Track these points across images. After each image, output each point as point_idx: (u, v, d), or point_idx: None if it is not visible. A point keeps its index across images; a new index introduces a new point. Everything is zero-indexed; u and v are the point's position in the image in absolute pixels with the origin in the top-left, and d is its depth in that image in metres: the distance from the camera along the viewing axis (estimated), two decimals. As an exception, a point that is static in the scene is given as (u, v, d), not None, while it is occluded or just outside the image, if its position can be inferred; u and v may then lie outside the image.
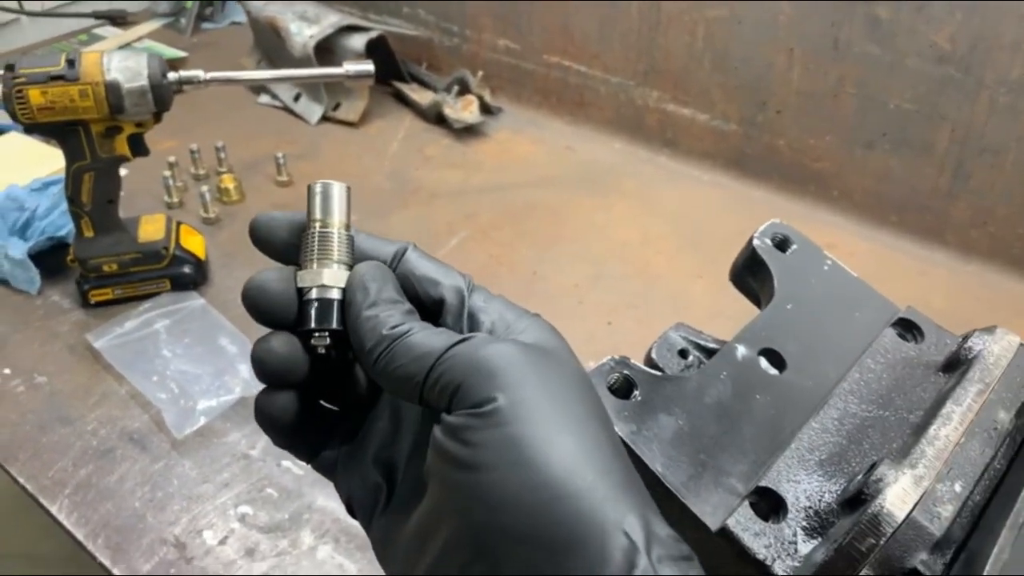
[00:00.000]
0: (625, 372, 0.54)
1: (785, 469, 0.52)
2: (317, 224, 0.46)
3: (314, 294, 0.44)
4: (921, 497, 0.46)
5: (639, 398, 0.54)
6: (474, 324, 0.44)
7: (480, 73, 1.79)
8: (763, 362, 0.59)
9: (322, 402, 0.50)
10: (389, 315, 0.43)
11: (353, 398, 0.49)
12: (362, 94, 1.77)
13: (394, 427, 0.47)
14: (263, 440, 1.04)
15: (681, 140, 1.63)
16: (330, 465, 0.49)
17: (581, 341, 1.14)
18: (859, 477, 0.49)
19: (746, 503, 0.50)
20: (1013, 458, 0.50)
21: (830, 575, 0.45)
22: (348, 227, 0.47)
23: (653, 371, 0.55)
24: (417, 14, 1.91)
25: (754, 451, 0.54)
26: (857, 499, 0.47)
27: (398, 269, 0.46)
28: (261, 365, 0.44)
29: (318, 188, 0.46)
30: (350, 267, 0.45)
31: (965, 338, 0.58)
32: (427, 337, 0.41)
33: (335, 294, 0.44)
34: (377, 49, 1.76)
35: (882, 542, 0.44)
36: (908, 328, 0.63)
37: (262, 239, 0.47)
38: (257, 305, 0.44)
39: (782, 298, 0.62)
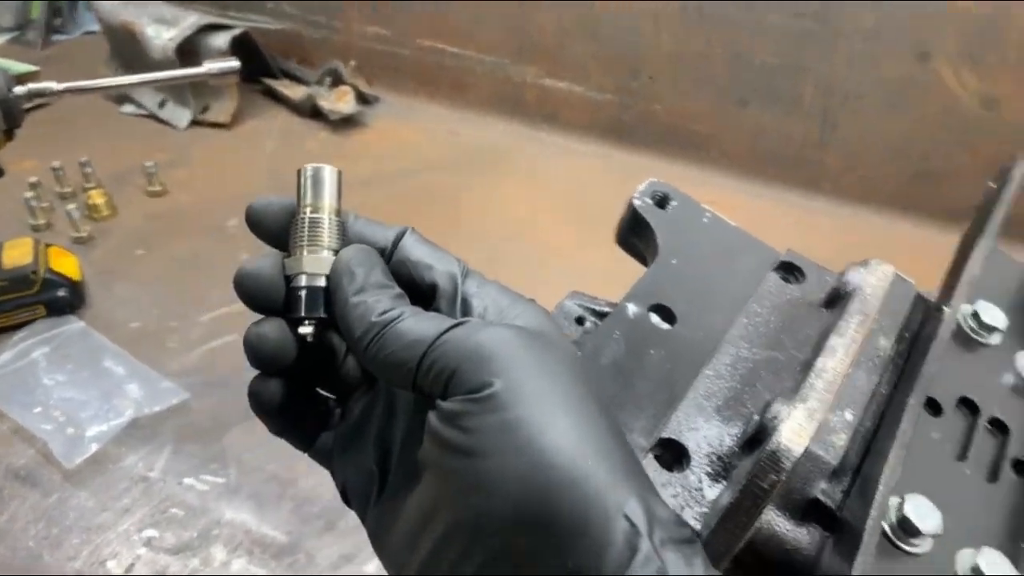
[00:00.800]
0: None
1: (684, 419, 0.52)
2: (307, 209, 0.44)
3: (301, 281, 0.43)
4: (815, 430, 0.47)
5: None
6: (467, 309, 0.44)
7: (352, 63, 1.75)
8: (654, 318, 0.59)
9: (318, 389, 0.49)
10: (377, 300, 0.42)
11: (348, 384, 0.48)
12: (231, 94, 1.71)
13: (388, 413, 0.46)
14: (162, 460, 1.00)
15: (560, 114, 1.64)
16: (327, 453, 0.48)
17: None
18: (755, 418, 0.50)
19: (650, 456, 0.50)
20: (896, 382, 0.52)
21: (737, 516, 0.45)
22: (339, 212, 0.45)
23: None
24: (282, 8, 1.86)
25: (652, 405, 0.54)
26: (756, 439, 0.48)
27: (395, 254, 0.45)
28: (253, 351, 0.43)
29: (308, 172, 0.45)
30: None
31: (843, 274, 0.59)
32: (418, 323, 0.41)
33: (322, 281, 0.43)
34: (243, 47, 1.70)
35: (783, 477, 0.45)
36: (790, 270, 0.64)
37: (257, 224, 0.46)
38: (247, 292, 0.44)
39: (666, 254, 0.63)
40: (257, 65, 1.78)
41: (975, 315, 0.54)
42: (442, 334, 0.39)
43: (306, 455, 0.49)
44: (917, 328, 0.56)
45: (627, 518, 0.34)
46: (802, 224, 1.39)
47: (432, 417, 0.38)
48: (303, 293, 0.43)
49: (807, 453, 0.46)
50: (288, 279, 0.44)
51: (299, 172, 0.45)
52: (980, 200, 0.65)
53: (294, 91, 1.76)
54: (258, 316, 0.45)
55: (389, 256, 0.46)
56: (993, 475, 0.48)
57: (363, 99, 1.75)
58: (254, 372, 0.46)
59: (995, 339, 0.55)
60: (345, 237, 0.45)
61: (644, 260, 0.69)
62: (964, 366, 0.53)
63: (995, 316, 0.56)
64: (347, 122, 1.70)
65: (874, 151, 1.36)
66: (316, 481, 0.96)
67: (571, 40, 1.55)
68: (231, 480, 0.96)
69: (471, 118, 1.73)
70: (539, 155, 1.61)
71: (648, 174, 1.57)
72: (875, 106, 1.33)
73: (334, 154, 1.63)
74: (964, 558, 0.42)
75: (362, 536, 0.45)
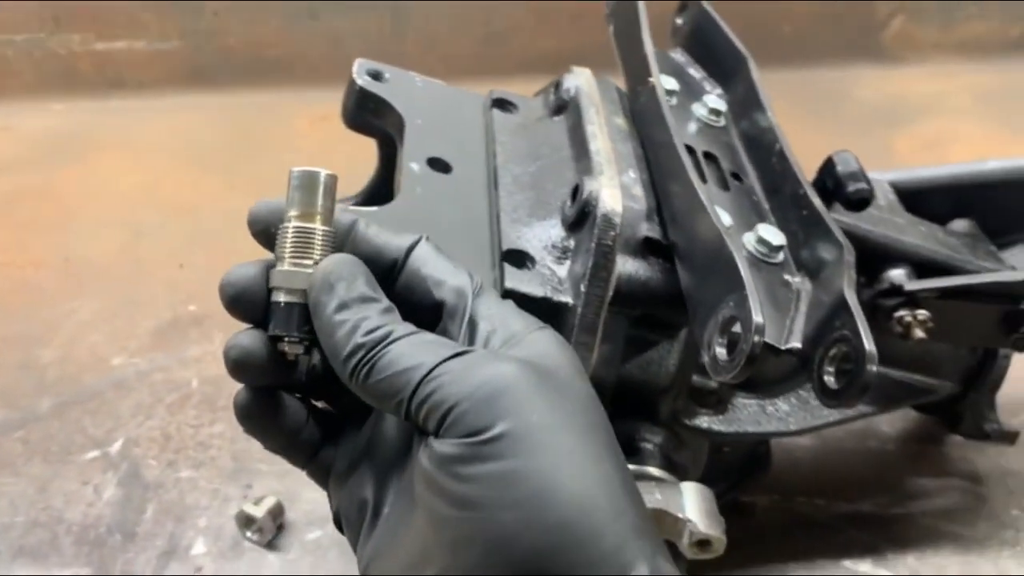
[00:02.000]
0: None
1: (510, 232, 0.60)
2: (293, 216, 0.41)
3: (281, 296, 0.40)
4: (620, 191, 0.58)
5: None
6: (474, 331, 0.40)
7: None
8: (434, 170, 0.65)
9: (316, 403, 0.45)
10: (363, 317, 0.38)
11: (348, 401, 0.43)
12: None
13: (387, 436, 0.42)
14: None
15: (128, 76, 1.53)
16: (325, 471, 0.44)
17: (169, 293, 1.09)
18: (568, 203, 0.59)
19: (505, 264, 0.57)
20: (643, 145, 0.65)
21: (599, 273, 0.55)
22: (329, 220, 0.41)
23: (367, 208, 0.58)
24: None
25: (474, 239, 0.61)
26: (582, 217, 0.58)
27: (409, 264, 0.42)
28: (225, 360, 0.40)
29: (296, 175, 0.41)
30: None
31: (557, 86, 0.70)
32: (413, 347, 0.37)
33: (302, 297, 0.40)
34: None
35: (619, 230, 0.56)
36: (503, 105, 0.74)
37: (260, 232, 0.42)
38: (229, 301, 0.40)
39: (410, 116, 0.69)
40: None
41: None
42: (439, 364, 0.36)
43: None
44: (631, 104, 0.69)
45: None
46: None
47: (424, 457, 0.35)
48: (279, 309, 0.41)
49: (625, 207, 0.57)
50: (271, 292, 0.41)
51: (289, 174, 0.42)
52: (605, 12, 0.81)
53: None
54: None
55: (400, 268, 0.42)
56: (724, 185, 0.64)
57: None
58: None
59: (674, 100, 0.71)
60: (335, 248, 0.42)
61: (380, 135, 0.73)
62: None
63: (669, 82, 0.71)
64: None
65: (445, 28, 1.51)
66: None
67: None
68: None
69: (19, 107, 1.53)
70: (123, 125, 1.49)
71: (246, 110, 1.58)
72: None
73: None
74: (748, 237, 0.57)
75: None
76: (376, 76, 0.72)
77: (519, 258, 0.58)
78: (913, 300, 0.66)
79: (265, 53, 1.53)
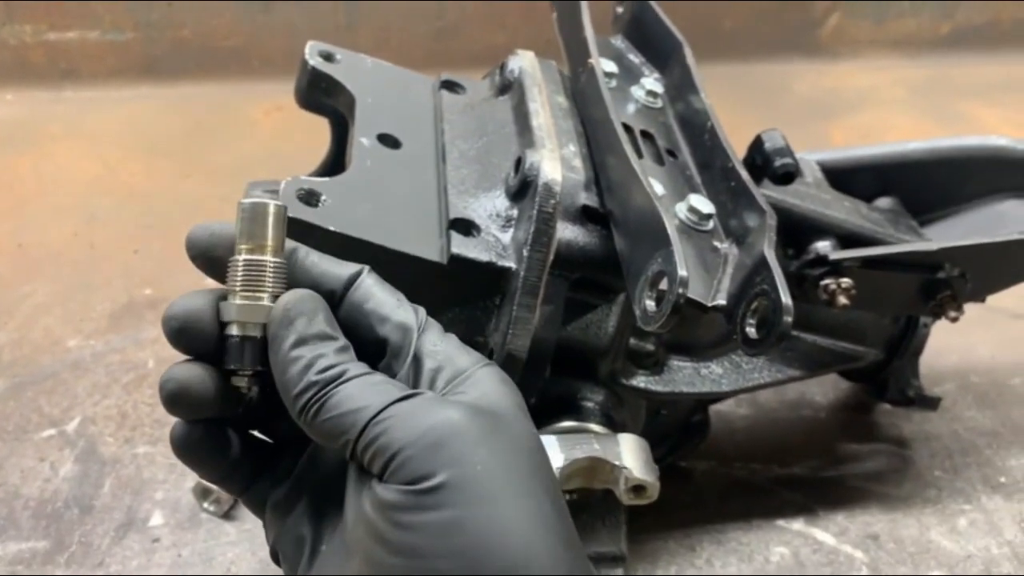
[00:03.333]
0: (306, 188, 0.58)
1: (457, 203, 0.63)
2: (243, 249, 0.40)
3: (234, 330, 0.40)
4: (560, 162, 0.61)
5: (328, 202, 0.59)
6: (419, 368, 0.40)
7: None
8: (383, 145, 0.68)
9: (255, 432, 0.44)
10: (318, 355, 0.38)
11: (288, 434, 0.43)
12: None
13: (329, 473, 0.42)
14: None
15: (82, 67, 1.53)
16: (261, 503, 0.44)
17: (124, 277, 1.10)
18: (512, 174, 0.63)
19: (452, 232, 0.60)
20: (583, 122, 0.68)
21: (540, 239, 0.59)
22: (280, 251, 0.41)
23: (320, 179, 0.61)
24: None
25: (422, 209, 0.64)
26: (524, 187, 0.61)
27: (349, 296, 0.41)
28: (160, 393, 0.39)
29: (246, 207, 0.40)
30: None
31: (502, 67, 0.74)
32: (362, 388, 0.37)
33: (257, 331, 0.40)
34: None
35: (559, 199, 0.60)
36: (451, 86, 0.77)
37: (198, 255, 0.40)
38: (174, 334, 0.39)
39: (360, 94, 0.71)
40: None
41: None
42: (387, 407, 0.36)
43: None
44: (572, 86, 0.73)
45: None
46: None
47: (366, 502, 0.35)
48: (234, 344, 0.40)
49: (564, 178, 0.61)
50: (223, 325, 0.41)
51: (238, 206, 0.41)
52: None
53: None
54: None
55: (340, 299, 0.42)
56: (660, 161, 0.68)
57: None
58: None
59: (613, 83, 0.74)
60: (287, 280, 0.41)
61: (332, 115, 0.76)
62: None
63: (609, 65, 0.75)
64: None
65: (397, 21, 1.53)
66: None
67: (59, -14, 1.45)
68: None
69: (-30, 99, 1.52)
70: (77, 115, 1.49)
71: (200, 101, 1.59)
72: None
73: None
74: (680, 206, 0.61)
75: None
76: (328, 57, 0.75)
77: (465, 226, 0.62)
78: (837, 269, 0.71)
79: (219, 44, 1.54)
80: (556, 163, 0.61)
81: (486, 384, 0.39)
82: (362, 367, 0.38)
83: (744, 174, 0.63)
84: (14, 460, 0.88)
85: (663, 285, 0.51)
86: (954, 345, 1.03)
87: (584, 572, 0.35)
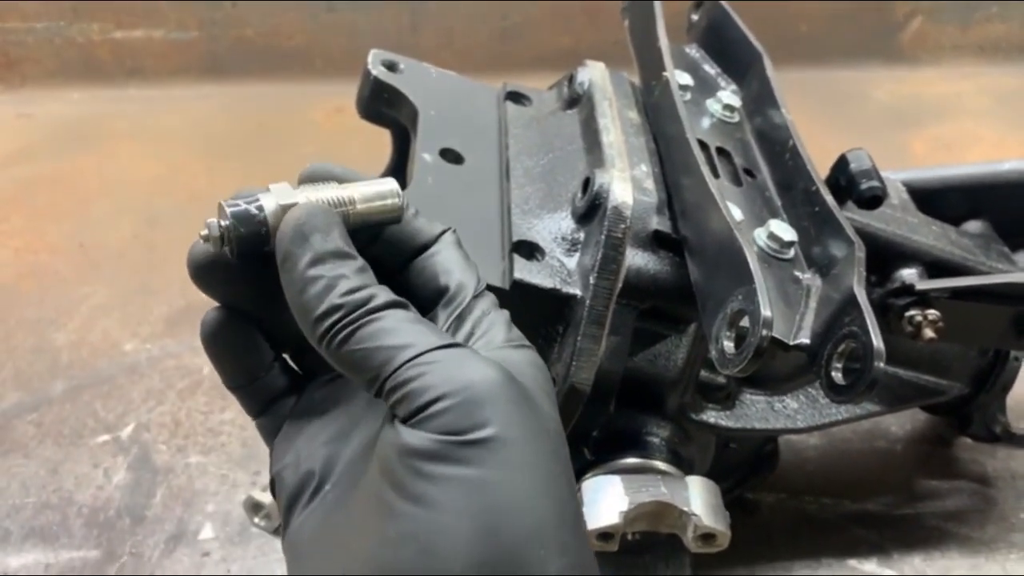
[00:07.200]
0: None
1: (521, 224, 0.60)
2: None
3: (256, 195, 0.38)
4: (632, 184, 0.58)
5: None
6: (459, 324, 0.39)
7: None
8: (447, 161, 0.65)
9: (286, 356, 0.43)
10: (340, 275, 0.35)
11: (313, 362, 0.42)
12: None
13: (349, 411, 0.41)
14: None
15: (146, 66, 1.54)
16: (274, 430, 0.42)
17: (182, 281, 1.09)
18: (579, 195, 0.59)
19: (515, 256, 0.57)
20: (656, 139, 0.65)
21: (608, 265, 0.55)
22: (351, 204, 0.39)
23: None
24: None
25: (484, 230, 0.61)
26: (592, 209, 0.58)
27: (428, 250, 0.41)
28: (188, 264, 0.40)
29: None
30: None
31: (570, 79, 0.71)
32: (403, 324, 0.35)
33: (270, 203, 0.38)
34: None
35: (629, 223, 0.56)
36: (517, 98, 0.74)
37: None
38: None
39: (424, 107, 0.69)
40: None
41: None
42: (432, 350, 0.34)
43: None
44: (644, 99, 0.69)
45: None
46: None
47: (389, 444, 0.33)
48: (245, 201, 0.39)
49: (636, 200, 0.57)
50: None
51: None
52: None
53: None
54: None
55: (419, 251, 0.41)
56: (737, 181, 0.64)
57: None
58: None
59: (688, 95, 0.70)
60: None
61: (394, 126, 0.74)
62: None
63: (683, 77, 0.71)
64: None
65: (461, 22, 1.51)
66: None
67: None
68: None
69: (39, 95, 1.54)
70: (140, 114, 1.50)
71: (261, 101, 1.58)
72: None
73: None
74: (759, 232, 0.57)
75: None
76: (391, 67, 0.73)
77: (529, 249, 0.59)
78: (924, 300, 0.66)
79: (282, 44, 1.53)
80: (627, 184, 0.58)
81: (525, 364, 0.37)
82: (386, 291, 0.36)
83: (829, 199, 0.59)
84: (69, 465, 0.88)
85: (743, 322, 0.47)
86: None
87: (585, 560, 0.34)
